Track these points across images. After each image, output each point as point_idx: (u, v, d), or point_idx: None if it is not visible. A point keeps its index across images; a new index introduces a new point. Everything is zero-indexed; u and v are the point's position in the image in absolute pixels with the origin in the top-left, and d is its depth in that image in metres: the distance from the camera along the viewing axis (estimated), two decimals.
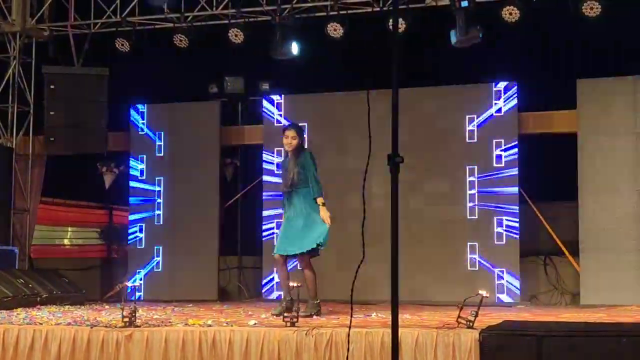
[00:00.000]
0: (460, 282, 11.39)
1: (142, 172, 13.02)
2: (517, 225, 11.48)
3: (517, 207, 11.51)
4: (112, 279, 13.10)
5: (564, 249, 11.57)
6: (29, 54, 13.06)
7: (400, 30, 11.08)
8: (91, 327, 8.00)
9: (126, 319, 7.96)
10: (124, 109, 13.11)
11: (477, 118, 11.74)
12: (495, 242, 11.53)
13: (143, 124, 13.09)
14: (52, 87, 12.48)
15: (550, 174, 11.44)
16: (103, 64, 12.58)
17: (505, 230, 11.49)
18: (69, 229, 14.17)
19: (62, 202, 13.93)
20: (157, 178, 12.99)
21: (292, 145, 9.32)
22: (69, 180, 13.37)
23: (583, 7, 10.80)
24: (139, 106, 13.13)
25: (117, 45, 12.46)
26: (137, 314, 8.14)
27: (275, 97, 12.64)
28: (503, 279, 11.43)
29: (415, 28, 11.25)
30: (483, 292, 7.46)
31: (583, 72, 11.33)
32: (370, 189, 10.47)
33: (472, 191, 11.68)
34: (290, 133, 9.35)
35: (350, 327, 6.57)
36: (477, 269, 11.58)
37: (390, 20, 5.17)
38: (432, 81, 11.96)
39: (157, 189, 12.95)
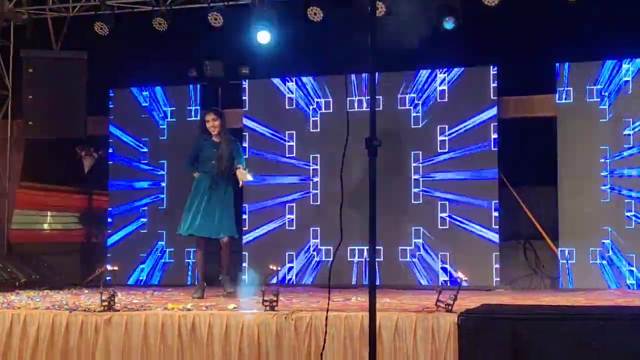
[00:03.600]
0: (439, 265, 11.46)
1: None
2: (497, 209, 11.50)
3: (496, 191, 11.52)
4: (92, 264, 13.05)
5: (543, 233, 11.59)
6: (7, 38, 12.98)
7: (379, 14, 11.10)
8: (70, 312, 7.98)
9: (105, 303, 7.94)
10: (103, 92, 13.03)
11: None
12: (481, 227, 11.53)
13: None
14: (30, 70, 12.42)
15: (529, 158, 11.45)
16: (82, 48, 12.50)
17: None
18: (49, 213, 14.10)
19: (41, 187, 13.85)
20: (134, 163, 12.98)
21: (217, 128, 9.82)
22: (48, 164, 13.31)
23: None
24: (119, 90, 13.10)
25: (95, 29, 12.37)
26: (116, 298, 8.12)
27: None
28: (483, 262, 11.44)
29: (394, 11, 11.21)
30: (462, 276, 7.48)
31: (563, 56, 11.33)
32: (351, 174, 10.45)
33: (461, 176, 11.65)
34: (211, 116, 9.86)
35: (328, 311, 6.57)
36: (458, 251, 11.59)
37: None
38: (412, 65, 11.91)
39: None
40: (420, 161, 11.82)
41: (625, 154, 11.11)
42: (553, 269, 11.59)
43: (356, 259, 11.42)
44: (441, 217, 11.68)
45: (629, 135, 11.11)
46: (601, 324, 6.53)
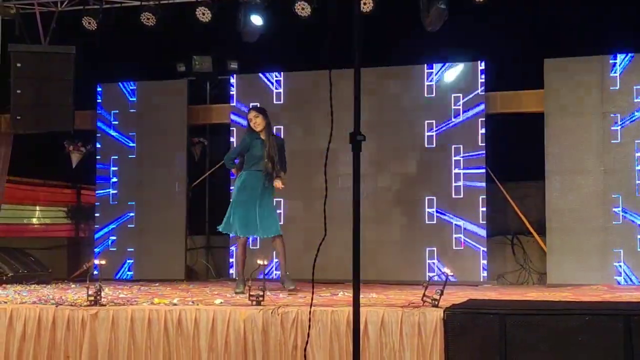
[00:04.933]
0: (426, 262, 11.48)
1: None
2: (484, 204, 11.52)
3: (484, 186, 11.54)
4: (79, 258, 13.05)
5: (530, 228, 11.62)
6: None
7: (367, 9, 11.10)
8: (56, 306, 7.96)
9: (91, 298, 7.93)
10: (91, 87, 13.02)
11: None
12: (467, 222, 11.55)
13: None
14: (18, 65, 12.36)
15: (517, 154, 11.47)
16: (70, 43, 12.47)
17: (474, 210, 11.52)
18: (37, 207, 14.10)
19: (30, 181, 13.86)
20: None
21: (260, 124, 9.59)
22: (36, 159, 13.30)
23: None
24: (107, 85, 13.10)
25: (84, 24, 12.35)
26: (102, 293, 8.12)
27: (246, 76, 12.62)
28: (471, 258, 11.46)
29: (383, 7, 11.21)
30: (448, 271, 7.49)
31: (551, 52, 11.34)
32: (336, 169, 10.45)
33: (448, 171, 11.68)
34: (252, 114, 9.67)
35: (312, 305, 6.57)
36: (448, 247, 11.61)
37: None
38: (398, 60, 11.93)
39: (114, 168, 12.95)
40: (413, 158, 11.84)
41: (613, 149, 11.12)
42: (540, 264, 11.62)
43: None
44: (428, 212, 11.68)
45: (617, 130, 11.12)
46: (587, 319, 6.55)
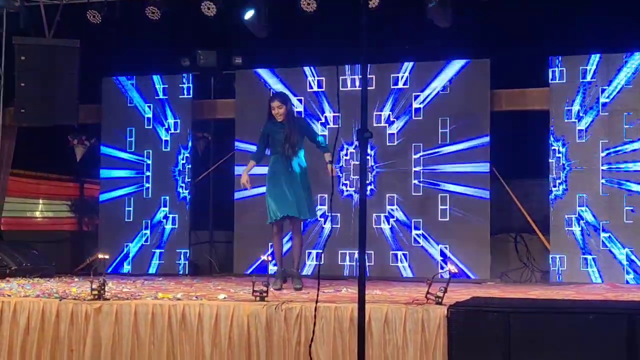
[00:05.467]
0: (430, 259, 11.47)
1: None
2: (488, 202, 11.51)
3: (488, 184, 11.52)
4: (83, 252, 13.06)
5: (534, 226, 11.61)
6: None
7: (373, 5, 11.09)
8: (60, 300, 7.97)
9: (95, 292, 7.94)
10: (96, 81, 13.02)
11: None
12: (470, 219, 11.55)
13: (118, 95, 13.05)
14: (22, 58, 12.36)
15: (521, 152, 11.46)
16: (74, 36, 12.47)
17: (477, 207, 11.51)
18: (40, 201, 14.11)
19: (33, 175, 13.86)
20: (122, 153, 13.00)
21: (282, 115, 9.45)
22: (40, 152, 13.30)
23: None
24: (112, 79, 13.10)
25: (88, 17, 12.34)
26: (106, 287, 8.13)
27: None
28: (473, 255, 11.46)
29: (389, 3, 11.21)
30: (452, 268, 7.49)
31: (556, 49, 11.33)
32: (343, 164, 10.46)
33: (447, 167, 11.66)
34: (275, 104, 9.48)
35: (317, 302, 6.59)
36: (447, 246, 11.60)
37: None
38: (404, 57, 11.91)
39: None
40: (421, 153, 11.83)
41: (619, 148, 11.11)
42: (544, 262, 11.61)
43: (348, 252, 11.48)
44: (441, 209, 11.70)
45: (624, 128, 11.11)
46: (591, 317, 6.55)
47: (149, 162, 12.84)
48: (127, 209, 12.87)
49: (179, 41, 12.59)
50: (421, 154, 11.77)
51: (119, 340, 7.70)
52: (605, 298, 8.71)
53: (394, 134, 11.79)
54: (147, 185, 12.85)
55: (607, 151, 11.14)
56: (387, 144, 11.77)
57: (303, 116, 9.78)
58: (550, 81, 11.38)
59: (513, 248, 11.99)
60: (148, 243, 12.69)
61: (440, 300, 7.22)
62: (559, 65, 11.36)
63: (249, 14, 11.75)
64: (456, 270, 7.51)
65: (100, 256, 9.29)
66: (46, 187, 14.13)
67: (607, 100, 11.18)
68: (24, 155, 13.20)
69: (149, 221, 12.74)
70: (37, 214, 14.20)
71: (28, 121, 12.58)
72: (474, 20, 11.28)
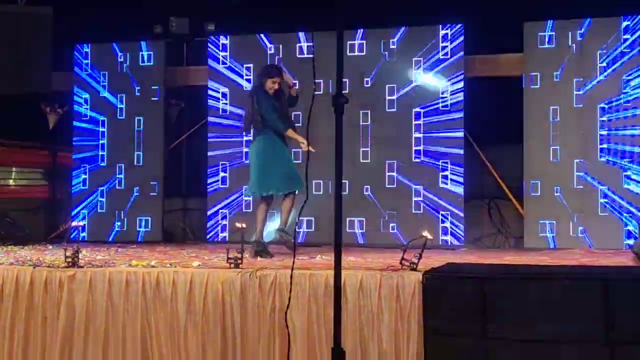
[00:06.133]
0: (406, 225, 11.48)
1: (85, 114, 12.95)
2: (462, 168, 11.53)
3: (462, 150, 11.53)
4: (56, 220, 13.00)
5: (508, 192, 11.65)
6: None
7: None
8: (34, 267, 7.94)
9: (69, 260, 7.91)
10: (68, 48, 12.92)
11: (422, 62, 11.72)
12: (440, 186, 11.56)
13: (87, 64, 12.95)
14: None
15: (495, 118, 11.46)
16: (46, 3, 12.35)
17: (451, 174, 11.51)
18: (13, 169, 14.00)
19: (5, 142, 13.74)
20: (101, 119, 12.90)
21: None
22: (11, 120, 13.18)
23: None
24: (84, 46, 13.00)
25: None
26: (80, 255, 8.10)
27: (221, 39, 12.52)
28: (447, 221, 11.47)
29: None
30: (427, 234, 7.49)
31: (530, 14, 11.32)
32: (316, 132, 10.42)
33: (418, 134, 11.67)
34: (278, 79, 9.53)
35: (292, 269, 6.58)
36: (421, 211, 11.61)
37: None
38: (376, 22, 11.87)
39: (102, 129, 12.88)
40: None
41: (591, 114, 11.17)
42: (518, 228, 11.65)
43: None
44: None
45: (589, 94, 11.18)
46: (566, 283, 6.58)
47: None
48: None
49: (151, 8, 12.47)
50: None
51: (93, 307, 7.68)
52: (579, 263, 8.76)
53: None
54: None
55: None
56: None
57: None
58: (524, 46, 11.38)
59: (487, 214, 12.02)
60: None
61: (415, 266, 7.23)
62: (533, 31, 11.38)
63: None
64: (431, 237, 7.50)
65: (74, 224, 9.25)
66: (18, 155, 14.01)
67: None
68: None
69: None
70: (10, 181, 14.08)
71: (0, 89, 12.46)
72: None
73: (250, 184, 9.62)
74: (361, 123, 11.73)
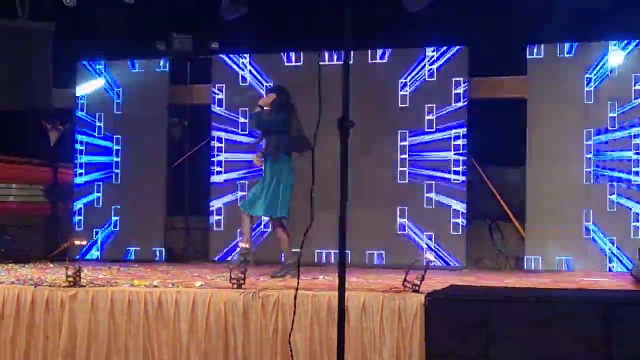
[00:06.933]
0: (406, 247, 11.46)
1: (99, 129, 12.95)
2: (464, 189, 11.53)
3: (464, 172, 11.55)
4: (57, 238, 12.97)
5: (510, 213, 11.64)
6: None
7: None
8: (35, 286, 7.93)
9: (70, 279, 7.90)
10: (70, 64, 12.93)
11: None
12: (445, 206, 11.56)
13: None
14: None
15: (498, 139, 11.46)
16: (48, 18, 12.35)
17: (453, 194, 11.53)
18: (13, 185, 13.98)
19: (6, 159, 13.72)
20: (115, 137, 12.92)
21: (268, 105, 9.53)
22: (12, 136, 13.18)
23: None
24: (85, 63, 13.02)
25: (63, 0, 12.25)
26: (81, 274, 8.09)
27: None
28: (449, 242, 11.47)
29: None
30: (430, 257, 7.50)
31: (533, 38, 11.34)
32: (321, 151, 10.41)
33: (425, 154, 11.66)
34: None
35: (297, 289, 6.57)
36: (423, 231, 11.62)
37: None
38: (382, 43, 11.89)
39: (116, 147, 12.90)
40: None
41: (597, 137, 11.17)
42: (519, 250, 11.63)
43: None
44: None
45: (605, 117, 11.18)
46: (567, 307, 6.58)
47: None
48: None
49: (155, 25, 12.49)
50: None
51: (94, 327, 7.69)
52: (579, 286, 8.76)
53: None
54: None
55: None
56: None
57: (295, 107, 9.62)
58: (527, 69, 11.40)
59: (488, 235, 11.99)
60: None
61: (417, 288, 7.24)
62: (537, 53, 11.39)
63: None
64: (434, 259, 7.52)
65: (77, 242, 9.25)
66: (19, 171, 13.99)
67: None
68: None
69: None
70: (11, 198, 14.06)
71: (1, 105, 12.45)
72: (451, 7, 11.23)
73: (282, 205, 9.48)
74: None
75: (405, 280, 7.32)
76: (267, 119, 9.44)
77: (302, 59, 12.08)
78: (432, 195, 11.58)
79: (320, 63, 10.76)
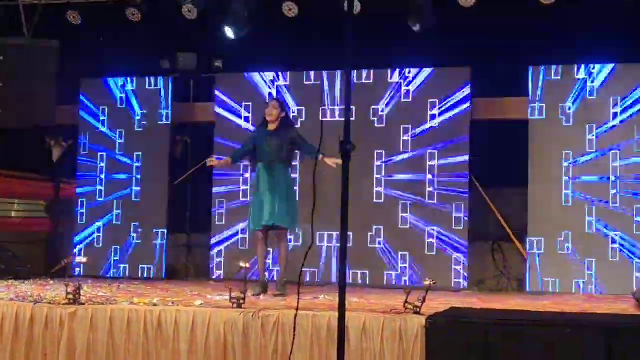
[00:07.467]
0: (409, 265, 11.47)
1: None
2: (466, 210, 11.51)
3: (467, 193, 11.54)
4: (58, 254, 12.95)
5: (511, 235, 11.61)
6: None
7: (355, 12, 11.05)
8: (34, 304, 7.91)
9: (70, 296, 7.88)
10: (73, 81, 12.93)
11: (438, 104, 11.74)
12: (451, 227, 11.53)
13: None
14: (1, 58, 12.26)
15: (500, 160, 11.45)
16: (53, 36, 12.37)
17: (456, 215, 11.51)
18: (15, 201, 13.98)
19: (8, 174, 13.72)
20: (100, 153, 12.89)
21: (274, 116, 9.43)
22: (15, 152, 13.19)
23: None
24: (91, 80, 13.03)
25: (68, 18, 12.27)
26: (81, 291, 8.06)
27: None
28: (451, 263, 11.44)
29: (371, 10, 11.17)
30: (431, 281, 7.47)
31: (536, 59, 11.34)
32: (321, 172, 10.40)
33: (428, 176, 11.66)
34: (273, 103, 9.53)
35: (297, 309, 6.54)
36: (426, 253, 11.58)
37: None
38: (385, 64, 11.90)
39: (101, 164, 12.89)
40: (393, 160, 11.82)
41: (588, 157, 11.18)
42: (520, 271, 11.61)
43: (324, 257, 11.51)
44: (403, 217, 11.69)
45: (593, 140, 11.17)
46: (569, 331, 6.56)
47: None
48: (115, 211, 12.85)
49: (159, 43, 12.50)
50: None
51: (94, 345, 7.66)
52: (581, 309, 8.72)
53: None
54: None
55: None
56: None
57: (294, 126, 9.60)
58: (530, 90, 11.40)
59: (490, 256, 11.96)
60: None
61: (418, 310, 7.21)
62: (540, 76, 11.39)
63: (230, 32, 11.71)
64: (435, 284, 7.49)
65: (77, 260, 9.23)
66: (21, 187, 13.99)
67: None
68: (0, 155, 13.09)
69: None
70: (13, 213, 14.05)
71: (6, 122, 12.45)
72: (455, 28, 11.25)
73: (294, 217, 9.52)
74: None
75: (406, 301, 7.29)
76: (278, 142, 9.43)
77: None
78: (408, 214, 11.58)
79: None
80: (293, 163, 9.76)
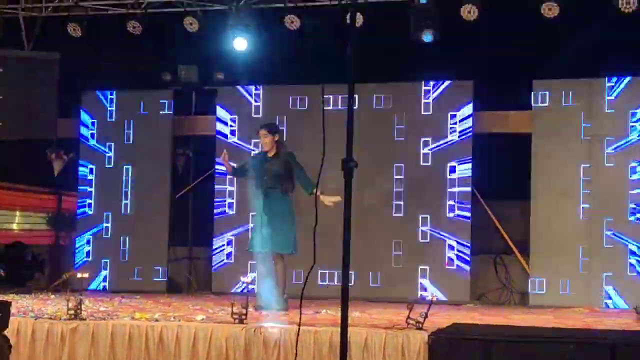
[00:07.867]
0: (412, 279, 11.41)
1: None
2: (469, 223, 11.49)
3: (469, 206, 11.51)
4: (59, 267, 12.92)
5: (514, 248, 11.59)
6: None
7: (357, 25, 11.03)
8: (35, 319, 7.88)
9: (71, 311, 7.84)
10: (75, 94, 12.91)
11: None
12: (448, 242, 11.51)
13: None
14: (1, 70, 12.26)
15: (503, 173, 11.43)
16: (54, 49, 12.36)
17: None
18: (17, 213, 13.96)
19: (11, 186, 13.71)
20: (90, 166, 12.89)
21: (268, 145, 9.41)
22: (17, 164, 13.17)
23: (542, 8, 10.83)
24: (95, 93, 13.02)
25: (68, 30, 12.25)
26: (82, 306, 8.02)
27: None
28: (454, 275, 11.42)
29: (374, 22, 11.16)
30: (433, 296, 7.45)
31: (539, 73, 11.33)
32: (324, 185, 10.36)
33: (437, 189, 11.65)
34: (262, 132, 9.46)
35: (299, 326, 6.50)
36: (428, 267, 11.55)
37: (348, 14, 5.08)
38: (389, 77, 11.88)
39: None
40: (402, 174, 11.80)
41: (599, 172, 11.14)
42: (523, 284, 11.58)
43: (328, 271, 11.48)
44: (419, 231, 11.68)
45: (605, 153, 11.13)
46: (572, 347, 6.52)
47: None
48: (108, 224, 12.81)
49: (161, 56, 12.50)
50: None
51: None
52: (584, 324, 8.68)
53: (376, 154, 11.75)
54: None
55: None
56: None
57: (291, 154, 9.55)
58: (533, 104, 11.38)
59: (493, 269, 11.93)
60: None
61: (420, 325, 7.17)
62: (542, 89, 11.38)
63: (241, 43, 11.71)
64: (436, 299, 7.46)
65: (79, 275, 9.20)
66: (23, 199, 13.97)
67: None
68: (2, 168, 13.07)
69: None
70: (14, 226, 14.03)
71: (6, 134, 12.45)
72: (458, 42, 11.25)
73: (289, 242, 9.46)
74: None
75: (408, 317, 7.26)
76: (277, 169, 9.39)
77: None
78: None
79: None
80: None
